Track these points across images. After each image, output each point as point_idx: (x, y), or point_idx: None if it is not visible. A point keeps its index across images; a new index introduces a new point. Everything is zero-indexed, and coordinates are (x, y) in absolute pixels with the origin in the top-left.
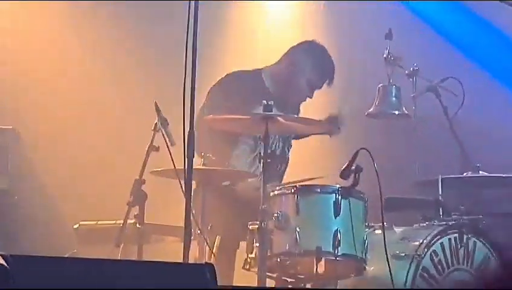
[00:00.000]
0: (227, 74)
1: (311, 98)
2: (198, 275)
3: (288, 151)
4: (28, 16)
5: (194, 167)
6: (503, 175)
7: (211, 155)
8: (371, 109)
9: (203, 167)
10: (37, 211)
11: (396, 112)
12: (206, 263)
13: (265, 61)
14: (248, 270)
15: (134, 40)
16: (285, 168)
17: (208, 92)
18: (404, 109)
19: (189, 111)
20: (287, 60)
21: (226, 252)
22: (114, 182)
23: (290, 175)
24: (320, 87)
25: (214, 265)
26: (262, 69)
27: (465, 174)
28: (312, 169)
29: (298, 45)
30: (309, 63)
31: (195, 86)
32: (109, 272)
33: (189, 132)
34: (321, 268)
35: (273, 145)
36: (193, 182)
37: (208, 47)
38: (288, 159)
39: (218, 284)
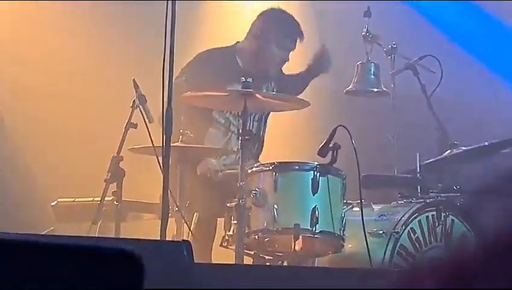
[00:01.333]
0: (200, 52)
1: (288, 60)
2: (176, 252)
3: (263, 133)
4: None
5: (172, 145)
6: (480, 145)
7: (189, 132)
8: (350, 87)
9: (181, 145)
10: (13, 187)
11: (375, 90)
12: (183, 240)
13: None
14: (226, 247)
15: (112, 22)
16: (261, 150)
17: (182, 68)
18: (382, 86)
19: (167, 88)
20: (251, 34)
21: (203, 229)
22: (92, 158)
23: (269, 154)
24: (294, 48)
25: (192, 242)
26: (234, 46)
27: (445, 154)
28: (290, 147)
29: (257, 17)
30: (272, 28)
31: (174, 62)
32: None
33: (167, 109)
34: (299, 245)
35: (248, 125)
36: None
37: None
38: (263, 142)
39: (196, 261)
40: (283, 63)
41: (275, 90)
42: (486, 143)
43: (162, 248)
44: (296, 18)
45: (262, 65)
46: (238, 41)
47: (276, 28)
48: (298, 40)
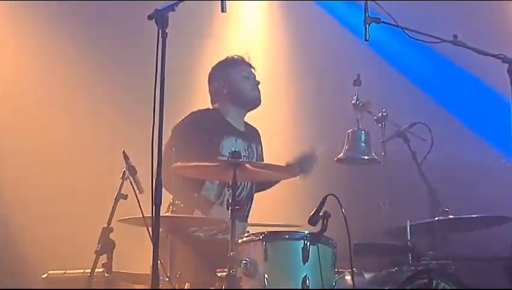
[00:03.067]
0: (190, 113)
1: (259, 83)
2: None
3: (254, 190)
4: None
5: (162, 215)
6: (473, 215)
7: (179, 202)
8: (341, 155)
9: (171, 215)
10: (5, 261)
11: (366, 157)
12: None
13: None
14: None
15: (102, 92)
16: (250, 207)
17: (172, 131)
18: (373, 154)
19: (156, 159)
20: (217, 94)
21: None
22: (82, 229)
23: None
24: (252, 72)
25: None
26: (214, 108)
27: (435, 219)
28: (281, 215)
29: (208, 81)
30: (222, 71)
31: (162, 134)
32: None
33: (156, 179)
34: None
35: (241, 187)
36: (162, 230)
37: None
38: (253, 198)
39: None
40: (257, 84)
41: (262, 154)
42: (474, 216)
43: None
44: None
45: (246, 97)
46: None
47: (227, 68)
48: (252, 68)
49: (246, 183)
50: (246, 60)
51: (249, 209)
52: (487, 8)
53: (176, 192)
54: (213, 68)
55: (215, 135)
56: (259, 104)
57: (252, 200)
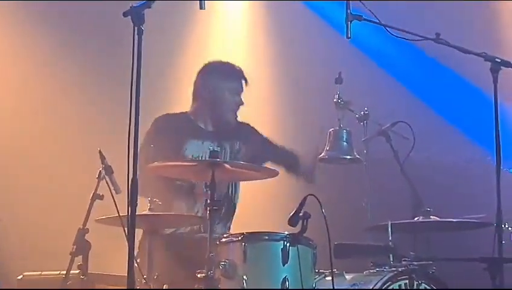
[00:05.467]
0: (156, 118)
1: (242, 104)
2: None
3: (236, 195)
4: None
5: (139, 213)
6: (454, 220)
7: (157, 200)
8: (322, 154)
9: (148, 213)
10: None
11: (348, 157)
12: None
13: None
14: None
15: (77, 92)
16: (233, 212)
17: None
18: (355, 153)
19: (132, 158)
20: (198, 94)
21: None
22: (58, 230)
23: (239, 223)
24: (242, 90)
25: None
26: (187, 112)
27: (416, 219)
28: (261, 216)
29: (198, 75)
30: (215, 78)
31: (139, 134)
32: None
33: (132, 179)
34: None
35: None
36: (140, 230)
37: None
38: (235, 204)
39: None
40: (238, 107)
41: (241, 149)
42: (455, 220)
43: None
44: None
45: (221, 117)
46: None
47: (221, 77)
48: (244, 83)
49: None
50: (243, 73)
51: (232, 211)
52: (469, 5)
53: (153, 190)
54: (207, 69)
55: (179, 138)
56: (228, 128)
57: (234, 204)
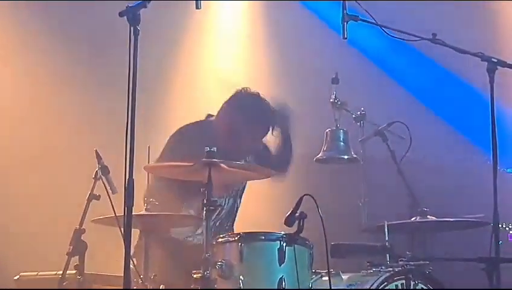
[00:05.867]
0: (180, 128)
1: (261, 149)
2: None
3: (237, 208)
4: None
5: (135, 213)
6: (451, 219)
7: (153, 200)
8: (319, 154)
9: (145, 213)
10: None
11: (345, 157)
12: None
13: None
14: None
15: (74, 92)
16: (233, 223)
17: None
18: (352, 153)
19: (129, 158)
20: (224, 116)
21: None
22: (55, 231)
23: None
24: (267, 133)
25: None
26: (207, 120)
27: (413, 219)
28: (257, 216)
29: (230, 101)
30: (243, 121)
31: (134, 133)
32: None
33: (128, 179)
34: None
35: (224, 201)
36: (137, 231)
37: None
38: (235, 216)
39: None
40: (259, 148)
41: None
42: (452, 219)
43: None
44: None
45: (235, 147)
46: (210, 114)
47: (248, 121)
48: (271, 128)
49: (227, 200)
50: (273, 118)
51: (231, 224)
52: (466, 6)
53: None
54: (239, 103)
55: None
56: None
57: (235, 215)
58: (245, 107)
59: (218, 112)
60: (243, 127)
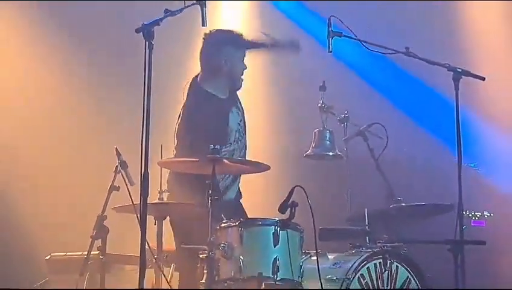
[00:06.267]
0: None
1: (246, 68)
2: None
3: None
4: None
5: (150, 202)
6: (419, 203)
7: (166, 190)
8: (308, 151)
9: (158, 202)
10: (13, 244)
11: (331, 153)
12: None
13: None
14: None
15: (97, 99)
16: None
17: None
18: (337, 150)
19: (144, 155)
20: (210, 63)
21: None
22: (81, 217)
23: None
24: (245, 55)
25: None
26: (196, 79)
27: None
28: (255, 204)
29: (206, 44)
30: (228, 49)
31: (150, 134)
32: None
33: (144, 173)
34: None
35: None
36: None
37: None
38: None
39: None
40: (242, 72)
41: (242, 110)
42: (423, 203)
43: None
44: None
45: (236, 84)
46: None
47: (233, 47)
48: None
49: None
50: (245, 40)
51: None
52: (438, 21)
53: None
54: (217, 38)
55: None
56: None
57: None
58: (222, 41)
59: (200, 60)
60: (233, 57)
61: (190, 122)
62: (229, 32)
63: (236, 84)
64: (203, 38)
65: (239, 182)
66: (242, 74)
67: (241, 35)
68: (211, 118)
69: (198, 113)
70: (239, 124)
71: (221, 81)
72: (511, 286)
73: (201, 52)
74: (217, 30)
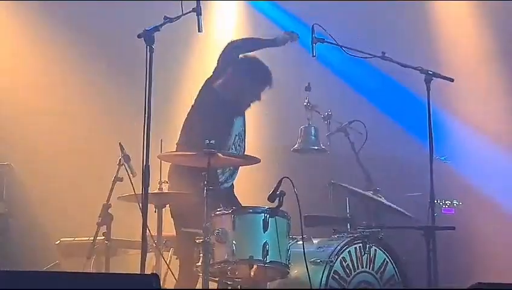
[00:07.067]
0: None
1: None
2: (146, 285)
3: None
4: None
5: (151, 192)
6: (398, 208)
7: (166, 181)
8: (295, 146)
9: (158, 192)
10: (26, 230)
11: (316, 148)
12: (152, 273)
13: None
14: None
15: (103, 99)
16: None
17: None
18: (321, 145)
19: (145, 149)
20: (232, 83)
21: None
22: (88, 206)
23: None
24: (263, 91)
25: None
26: (211, 79)
27: (368, 192)
28: (247, 194)
29: (238, 61)
30: (245, 78)
31: (150, 129)
32: (66, 283)
33: (145, 165)
34: (254, 273)
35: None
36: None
37: None
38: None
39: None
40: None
41: (245, 117)
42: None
43: (134, 281)
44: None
45: (236, 103)
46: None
47: (252, 81)
48: (268, 87)
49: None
50: (271, 79)
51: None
52: (413, 28)
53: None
54: (243, 63)
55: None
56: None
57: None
58: (246, 68)
59: (225, 78)
60: (245, 89)
61: (197, 118)
62: (263, 68)
63: (241, 107)
64: (232, 46)
65: (236, 175)
66: (250, 104)
67: (269, 72)
68: (217, 118)
69: (205, 111)
70: (241, 129)
71: (229, 91)
72: (479, 264)
73: (224, 63)
74: (254, 59)
